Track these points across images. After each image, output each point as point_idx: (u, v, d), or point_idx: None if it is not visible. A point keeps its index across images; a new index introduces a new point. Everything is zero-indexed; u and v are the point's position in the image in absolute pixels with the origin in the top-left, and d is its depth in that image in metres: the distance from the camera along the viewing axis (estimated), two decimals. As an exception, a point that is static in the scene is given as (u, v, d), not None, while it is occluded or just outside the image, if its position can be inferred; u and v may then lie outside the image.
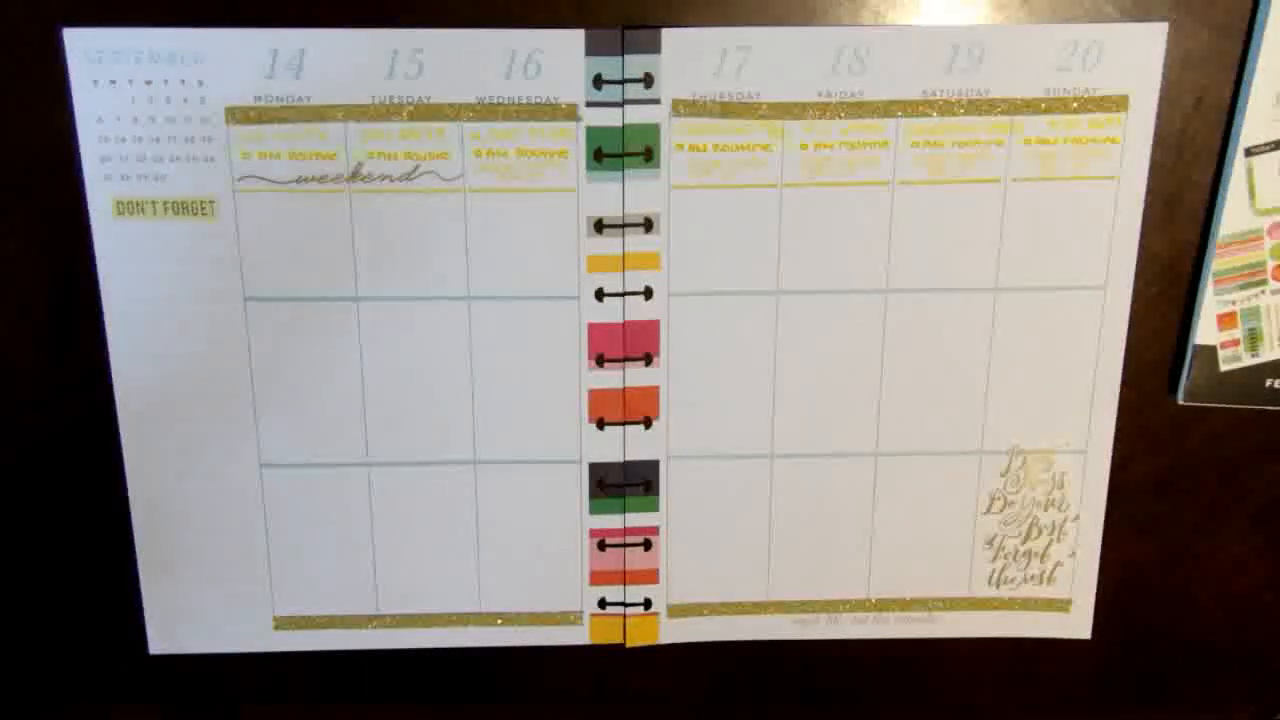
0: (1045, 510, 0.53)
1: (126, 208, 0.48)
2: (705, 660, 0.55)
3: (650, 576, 0.54)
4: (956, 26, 0.47)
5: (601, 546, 0.53)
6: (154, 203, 0.48)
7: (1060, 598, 0.54)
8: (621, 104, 0.47)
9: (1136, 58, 0.47)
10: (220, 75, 0.46)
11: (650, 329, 0.50)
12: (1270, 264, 0.49)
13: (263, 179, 0.48)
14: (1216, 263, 0.49)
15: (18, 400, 0.50)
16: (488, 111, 0.47)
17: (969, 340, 0.51)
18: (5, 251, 0.49)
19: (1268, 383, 0.51)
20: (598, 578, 0.53)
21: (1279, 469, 0.53)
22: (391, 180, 0.48)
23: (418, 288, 0.49)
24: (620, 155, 0.48)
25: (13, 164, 0.48)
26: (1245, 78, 0.47)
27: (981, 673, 0.56)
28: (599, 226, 0.49)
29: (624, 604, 0.54)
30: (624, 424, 0.51)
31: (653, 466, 0.52)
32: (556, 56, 0.46)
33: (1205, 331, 0.50)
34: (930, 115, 0.48)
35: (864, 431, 0.52)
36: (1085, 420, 0.52)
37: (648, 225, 0.49)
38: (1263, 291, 0.50)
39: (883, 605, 0.54)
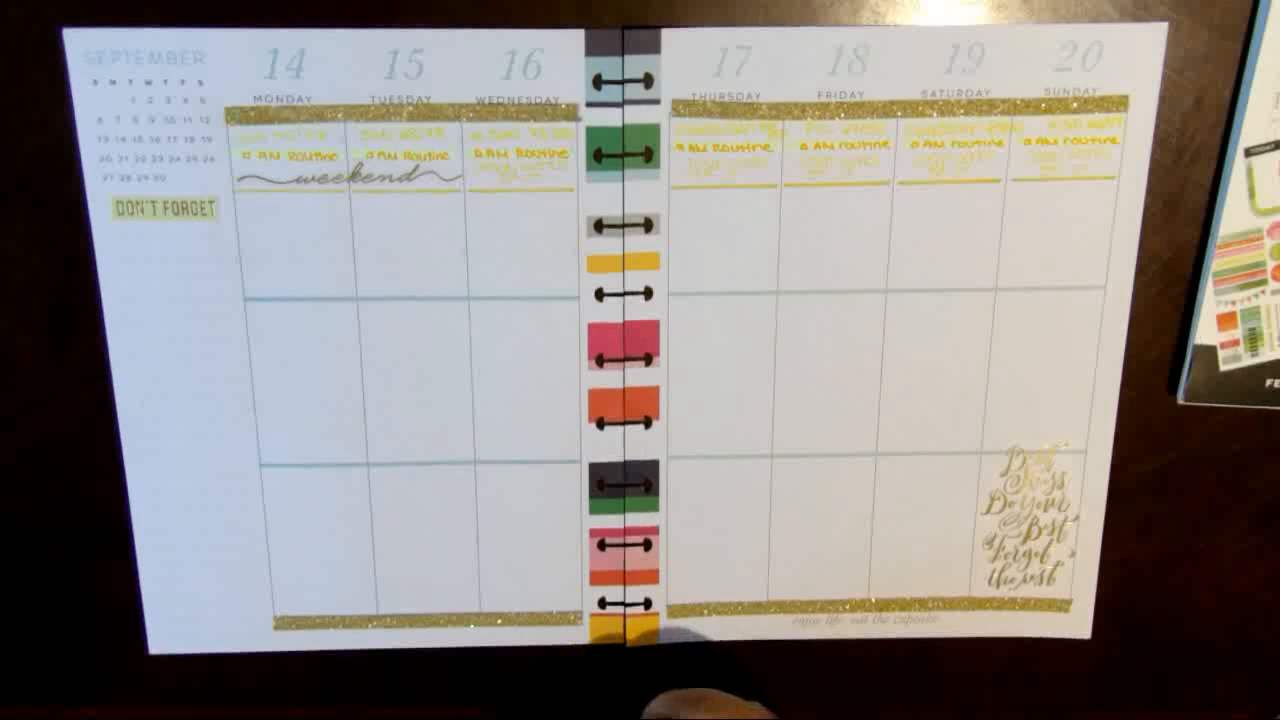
0: (1045, 510, 0.53)
1: (126, 208, 0.48)
2: (705, 660, 0.55)
3: (650, 576, 0.54)
4: (956, 26, 0.47)
5: (601, 546, 0.53)
6: (154, 203, 0.48)
7: (1060, 598, 0.54)
8: (621, 104, 0.47)
9: (1136, 58, 0.47)
10: (220, 75, 0.46)
11: (650, 329, 0.50)
12: (1270, 264, 0.49)
13: (263, 179, 0.48)
14: (1216, 263, 0.49)
15: (18, 400, 0.50)
16: (488, 111, 0.47)
17: (969, 340, 0.51)
18: (5, 251, 0.49)
19: (1268, 383, 0.51)
20: (598, 578, 0.53)
21: (1279, 469, 0.53)
22: (391, 180, 0.48)
23: (418, 288, 0.49)
24: (620, 155, 0.48)
25: (13, 164, 0.48)
26: (1245, 78, 0.47)
27: (981, 673, 0.56)
28: (599, 226, 0.49)
29: (624, 604, 0.54)
30: (624, 424, 0.51)
31: (653, 466, 0.52)
32: (556, 56, 0.46)
33: (1205, 331, 0.50)
34: (930, 115, 0.48)
35: (864, 431, 0.52)
36: (1085, 420, 0.52)
37: (648, 225, 0.49)
38: (1263, 291, 0.50)
39: (883, 605, 0.54)
